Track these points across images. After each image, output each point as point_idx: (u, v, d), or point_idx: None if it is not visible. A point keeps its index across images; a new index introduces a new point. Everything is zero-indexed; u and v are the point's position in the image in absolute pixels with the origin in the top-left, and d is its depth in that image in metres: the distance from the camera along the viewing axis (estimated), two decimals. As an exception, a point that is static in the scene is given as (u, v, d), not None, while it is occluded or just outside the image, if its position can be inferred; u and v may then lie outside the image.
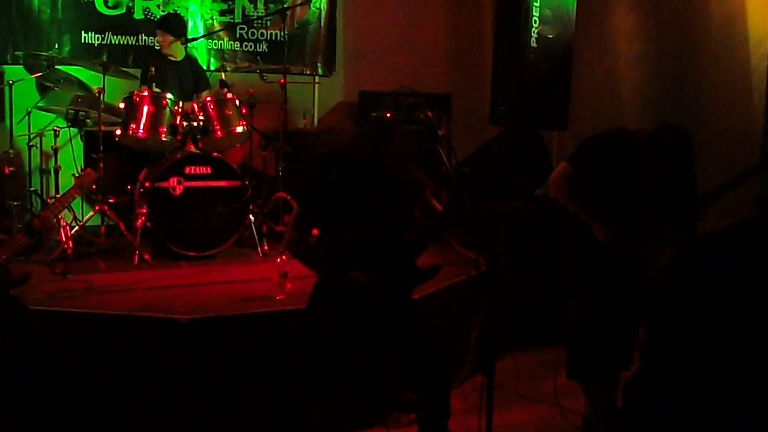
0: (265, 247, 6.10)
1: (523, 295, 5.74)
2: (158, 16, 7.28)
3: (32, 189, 6.70)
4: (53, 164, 6.40)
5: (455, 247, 6.16)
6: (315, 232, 3.73)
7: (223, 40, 7.86)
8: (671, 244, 4.23)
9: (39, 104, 6.53)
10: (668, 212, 4.12)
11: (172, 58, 6.74)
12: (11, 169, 6.34)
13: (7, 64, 7.03)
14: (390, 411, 4.60)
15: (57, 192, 6.29)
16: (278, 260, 4.89)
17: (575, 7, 6.67)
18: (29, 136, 6.51)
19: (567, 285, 4.44)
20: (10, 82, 6.48)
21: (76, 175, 3.99)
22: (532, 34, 6.48)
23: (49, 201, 3.54)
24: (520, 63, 6.54)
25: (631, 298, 4.32)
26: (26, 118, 6.48)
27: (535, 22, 6.45)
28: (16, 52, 7.08)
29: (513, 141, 6.65)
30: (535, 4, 6.45)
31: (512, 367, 5.20)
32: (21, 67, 6.96)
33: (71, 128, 6.59)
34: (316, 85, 8.25)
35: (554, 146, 7.55)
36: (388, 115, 7.18)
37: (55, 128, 6.44)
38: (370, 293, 3.54)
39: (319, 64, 8.24)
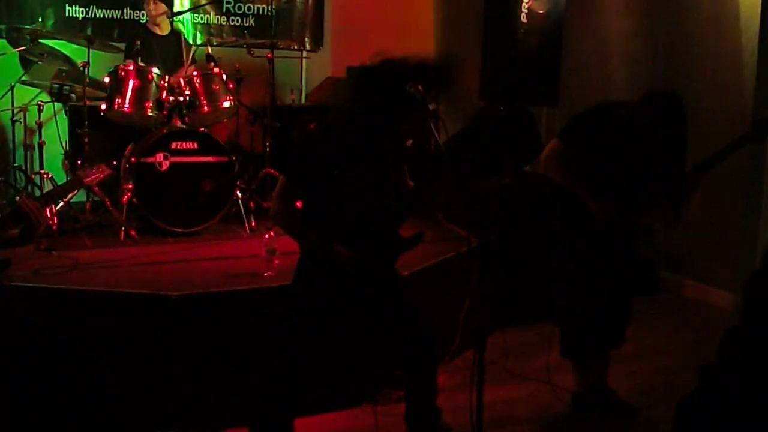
0: (253, 224, 6.06)
1: (514, 271, 5.72)
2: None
3: (16, 165, 6.63)
4: (37, 139, 6.33)
5: (444, 223, 6.13)
6: (299, 204, 3.68)
7: (210, 14, 7.77)
8: (664, 217, 4.22)
9: (22, 78, 6.44)
10: (661, 184, 4.10)
11: (158, 32, 6.66)
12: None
13: (-9, 38, 6.93)
14: (378, 387, 4.59)
15: (42, 167, 6.23)
16: (266, 237, 4.85)
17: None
18: (12, 110, 6.44)
19: (559, 262, 4.42)
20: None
21: (84, 170, 3.84)
22: (523, 9, 6.45)
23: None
24: (510, 38, 6.51)
25: (625, 274, 4.32)
26: (9, 92, 6.40)
27: (526, -3, 6.43)
28: (-1, 26, 6.98)
29: (502, 117, 6.62)
30: (524, -21, 6.42)
31: (502, 344, 5.19)
32: (3, 41, 6.86)
33: (55, 103, 6.52)
34: (304, 60, 8.19)
35: (544, 122, 7.52)
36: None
37: (39, 103, 6.37)
38: (354, 266, 3.50)
39: (306, 39, 8.18)
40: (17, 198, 4.32)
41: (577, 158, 4.12)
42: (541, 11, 6.51)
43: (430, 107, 3.36)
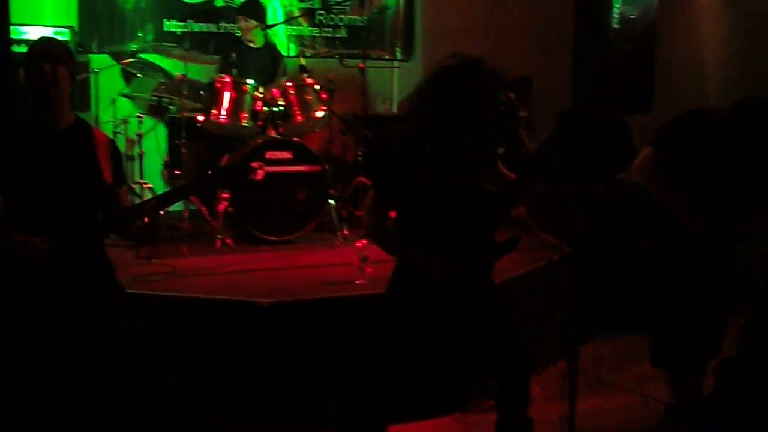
0: (345, 232, 6.13)
1: (606, 280, 5.65)
2: (239, 3, 7.33)
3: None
4: (138, 150, 6.53)
5: (536, 231, 6.09)
6: (392, 215, 3.70)
7: (303, 26, 7.89)
8: (759, 225, 4.12)
9: (124, 92, 6.65)
10: (755, 192, 4.01)
11: (252, 45, 6.79)
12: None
13: (93, 53, 7.17)
14: (470, 396, 4.58)
15: (142, 177, 6.42)
16: (358, 245, 4.90)
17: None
18: (114, 123, 6.65)
19: (652, 270, 4.35)
20: (96, 70, 6.62)
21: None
22: (614, 15, 6.37)
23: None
24: (602, 44, 6.44)
25: (721, 283, 4.22)
26: (112, 105, 6.61)
27: (617, 2, 6.34)
28: (101, 41, 7.22)
29: (594, 123, 6.55)
30: (617, -17, 6.34)
31: (594, 354, 5.12)
32: (106, 55, 7.10)
33: (155, 115, 6.71)
34: (396, 70, 8.24)
35: (636, 129, 7.41)
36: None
37: (140, 115, 6.57)
38: (449, 279, 3.49)
39: (397, 49, 8.23)
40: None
41: (670, 167, 4.06)
42: (632, 16, 6.43)
43: (521, 114, 3.33)
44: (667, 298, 4.26)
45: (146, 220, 3.38)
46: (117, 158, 3.67)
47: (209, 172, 3.80)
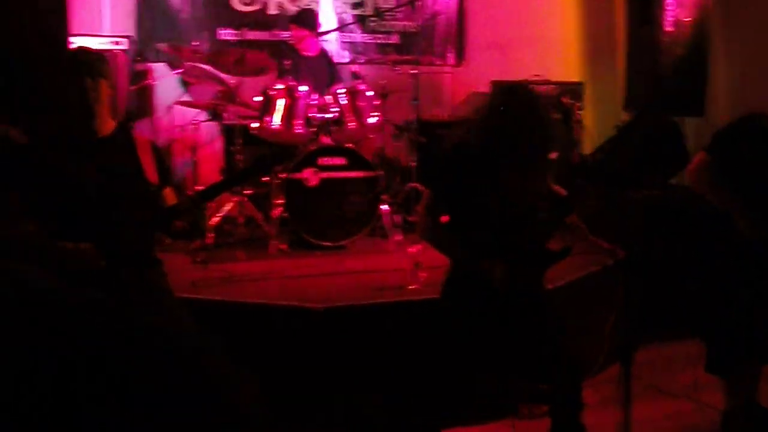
0: (398, 237, 6.16)
1: (660, 285, 5.60)
2: (291, 12, 7.41)
3: (174, 182, 6.95)
4: (194, 157, 6.63)
5: (588, 235, 6.06)
6: (445, 218, 3.72)
7: (355, 32, 7.95)
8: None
9: (181, 99, 6.77)
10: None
11: (305, 53, 6.86)
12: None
13: (152, 61, 7.30)
14: (522, 401, 4.57)
15: (198, 184, 6.51)
16: (411, 250, 4.92)
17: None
18: (172, 130, 6.76)
19: (706, 275, 4.32)
20: (154, 78, 6.74)
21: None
22: (667, 18, 6.31)
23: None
24: (655, 48, 6.38)
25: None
26: (169, 112, 6.73)
27: (670, 5, 6.28)
28: (159, 50, 7.35)
29: (648, 128, 6.50)
30: (669, -14, 6.29)
31: (647, 360, 5.08)
32: (163, 64, 7.22)
33: (211, 122, 6.81)
34: (447, 76, 8.25)
35: (690, 133, 7.34)
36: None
37: (196, 122, 6.67)
38: (503, 281, 3.50)
39: (449, 55, 8.25)
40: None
41: (724, 171, 4.02)
42: (686, 19, 6.36)
43: (575, 118, 3.35)
44: (722, 302, 4.22)
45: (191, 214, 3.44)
46: (160, 158, 3.74)
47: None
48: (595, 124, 7.18)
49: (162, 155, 3.79)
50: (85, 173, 3.43)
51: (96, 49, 3.84)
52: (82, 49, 3.88)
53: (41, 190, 3.35)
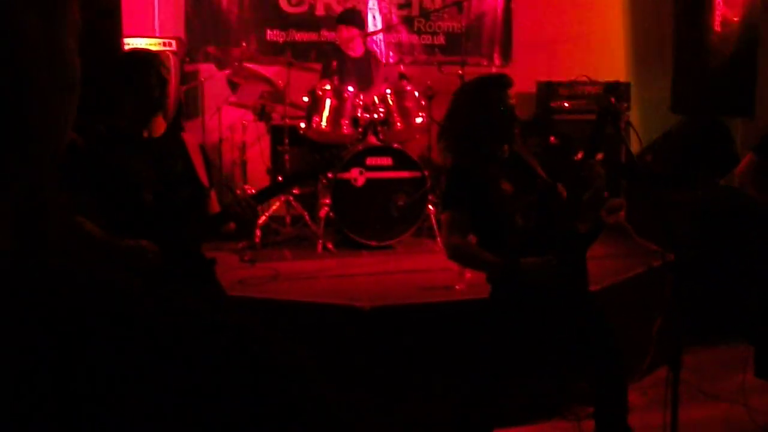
0: (444, 237, 6.17)
1: (709, 287, 5.57)
2: (338, 12, 7.46)
3: (223, 182, 7.05)
4: (242, 157, 6.71)
5: (634, 237, 6.05)
6: (473, 239, 3.71)
7: (402, 33, 7.98)
8: None
9: (229, 100, 6.86)
10: None
11: (352, 53, 6.90)
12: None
13: (201, 62, 7.40)
14: (569, 402, 4.58)
15: (246, 183, 6.59)
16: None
17: (763, -12, 6.41)
18: (220, 130, 6.85)
19: (755, 278, 4.29)
20: (203, 79, 6.84)
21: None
22: (716, 17, 6.26)
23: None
24: (703, 48, 6.33)
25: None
26: (217, 113, 6.82)
27: (718, 4, 6.23)
28: (208, 51, 7.44)
29: (696, 129, 6.46)
30: (718, -15, 6.23)
31: (695, 363, 5.05)
32: (212, 64, 7.32)
33: (259, 122, 6.88)
34: (493, 76, 8.24)
35: (739, 134, 7.27)
36: (566, 105, 7.14)
37: (244, 122, 6.75)
38: (548, 275, 3.41)
39: (495, 55, 8.25)
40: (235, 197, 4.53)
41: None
42: (735, 19, 6.30)
43: (623, 120, 3.34)
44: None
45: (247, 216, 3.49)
46: (207, 161, 3.79)
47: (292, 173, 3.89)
48: (642, 124, 7.15)
49: (209, 157, 3.85)
50: (141, 173, 3.49)
51: (157, 51, 3.89)
52: (150, 51, 3.93)
53: (98, 188, 3.42)
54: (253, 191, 6.49)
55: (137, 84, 3.50)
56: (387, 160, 6.18)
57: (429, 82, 6.75)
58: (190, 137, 3.86)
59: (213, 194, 3.76)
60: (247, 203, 3.50)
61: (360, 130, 6.36)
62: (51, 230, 0.80)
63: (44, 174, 0.76)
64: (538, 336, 3.63)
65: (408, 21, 7.94)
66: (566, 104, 7.14)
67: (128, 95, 3.53)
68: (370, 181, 6.09)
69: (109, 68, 3.60)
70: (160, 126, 3.61)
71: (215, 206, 3.72)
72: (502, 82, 3.70)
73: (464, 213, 3.57)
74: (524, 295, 3.50)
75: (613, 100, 3.36)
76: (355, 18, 6.97)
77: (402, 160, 6.21)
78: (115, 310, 0.69)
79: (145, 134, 3.55)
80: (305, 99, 6.38)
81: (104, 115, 3.68)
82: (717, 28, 6.34)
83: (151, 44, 6.65)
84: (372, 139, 6.36)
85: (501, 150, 3.65)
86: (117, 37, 5.62)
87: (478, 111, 3.63)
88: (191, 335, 0.71)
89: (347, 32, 6.82)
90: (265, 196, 3.75)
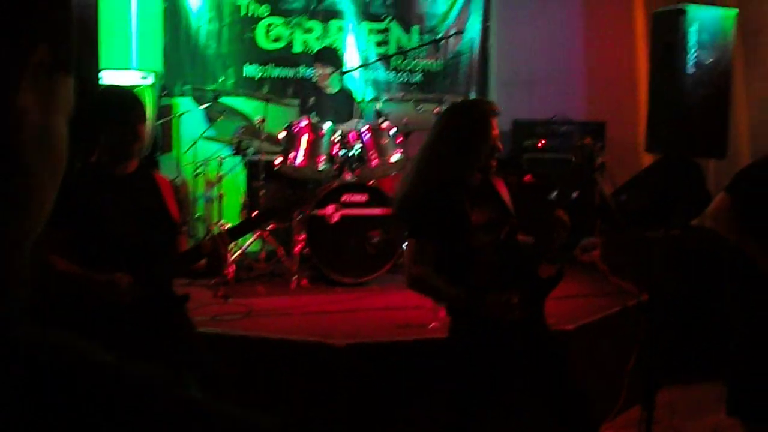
0: (419, 275, 6.16)
1: (682, 327, 5.59)
2: (316, 50, 7.49)
3: (197, 215, 7.02)
4: (217, 192, 6.69)
5: (609, 276, 6.07)
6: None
7: (379, 71, 8.02)
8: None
9: (205, 134, 6.85)
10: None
11: (329, 90, 6.92)
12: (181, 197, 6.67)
13: (177, 96, 7.39)
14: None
15: (220, 218, 6.57)
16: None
17: (733, 31, 6.50)
18: (195, 164, 6.83)
19: (728, 317, 4.30)
20: (179, 113, 6.83)
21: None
22: (690, 59, 6.33)
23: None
24: (677, 89, 6.40)
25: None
26: (193, 147, 6.81)
27: (692, 47, 6.31)
28: (184, 86, 7.44)
29: (670, 169, 6.51)
30: (692, 29, 6.31)
31: (667, 402, 5.05)
32: (189, 98, 7.32)
33: (234, 157, 6.88)
34: (470, 114, 8.28)
35: (711, 175, 7.35)
36: (540, 143, 7.18)
37: (220, 157, 6.74)
38: (508, 312, 3.33)
39: (472, 93, 8.30)
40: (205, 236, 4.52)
41: (746, 212, 4.02)
42: (708, 61, 6.38)
43: (597, 161, 3.34)
44: (744, 344, 4.21)
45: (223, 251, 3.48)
46: (179, 199, 3.79)
47: (256, 213, 3.88)
48: (617, 164, 7.20)
49: (180, 195, 3.84)
50: (114, 209, 3.47)
51: (131, 91, 3.88)
52: (128, 90, 3.94)
53: (71, 224, 3.39)
54: (228, 226, 6.50)
55: (115, 123, 3.49)
56: (362, 197, 6.18)
57: (405, 120, 6.78)
58: (161, 176, 3.85)
59: (184, 231, 3.74)
60: (220, 240, 3.48)
61: (336, 166, 6.36)
62: (23, 269, 0.80)
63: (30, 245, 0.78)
64: (499, 374, 3.56)
65: (385, 59, 7.98)
66: (541, 143, 7.19)
67: (105, 133, 3.52)
68: (345, 218, 6.09)
69: (87, 104, 3.58)
70: (132, 163, 3.60)
71: (186, 244, 3.71)
72: (494, 109, 3.66)
73: (430, 242, 3.51)
74: (484, 330, 3.45)
75: (588, 140, 3.37)
76: (332, 56, 7.00)
77: (377, 197, 6.21)
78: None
79: (117, 171, 3.54)
80: (282, 135, 6.38)
81: (80, 150, 3.65)
82: (691, 69, 6.40)
83: (128, 77, 6.64)
84: (348, 176, 6.36)
85: (473, 177, 3.62)
86: (94, 69, 5.60)
87: (471, 132, 3.57)
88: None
89: (322, 69, 6.85)
90: (237, 232, 3.73)
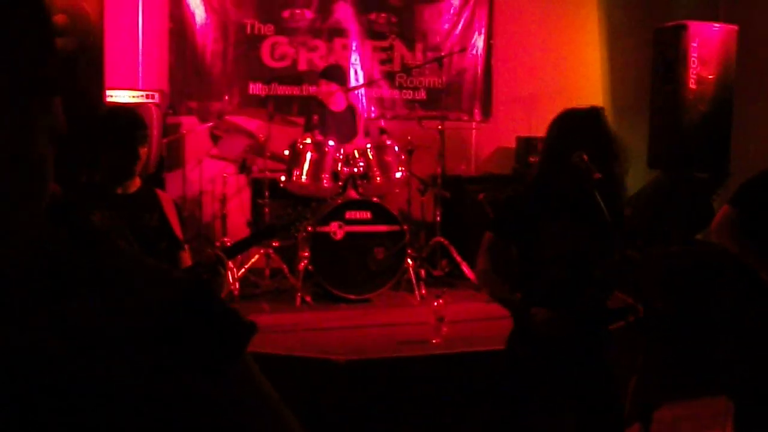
0: (423, 291, 6.20)
1: (683, 342, 5.59)
2: (321, 67, 7.53)
3: (203, 234, 7.06)
4: (223, 209, 6.74)
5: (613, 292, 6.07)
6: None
7: (383, 88, 8.06)
8: None
9: (210, 152, 6.90)
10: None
11: (333, 107, 6.96)
12: (184, 213, 6.72)
13: (183, 114, 7.44)
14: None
15: (225, 236, 6.61)
16: (435, 304, 4.96)
17: (735, 46, 6.53)
18: (201, 182, 6.88)
19: (731, 333, 4.31)
20: (185, 131, 6.89)
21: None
22: (691, 75, 6.37)
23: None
24: (679, 105, 6.43)
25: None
26: (198, 165, 6.86)
27: (694, 62, 6.34)
28: (190, 104, 7.49)
29: (672, 184, 6.53)
30: (693, 44, 6.35)
31: (671, 418, 5.05)
32: (194, 117, 7.38)
33: (240, 175, 6.92)
34: (473, 131, 8.34)
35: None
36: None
37: (225, 175, 6.79)
38: (551, 330, 3.25)
39: (475, 110, 8.34)
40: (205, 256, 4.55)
41: (749, 225, 4.04)
42: (710, 76, 6.41)
43: (595, 176, 3.32)
44: (749, 359, 4.21)
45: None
46: (181, 217, 3.83)
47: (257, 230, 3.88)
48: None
49: (182, 213, 3.88)
50: (116, 228, 3.49)
51: (135, 112, 3.93)
52: (134, 111, 3.97)
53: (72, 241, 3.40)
54: (226, 245, 6.53)
55: (117, 144, 3.53)
56: (366, 214, 6.21)
57: (409, 137, 6.82)
58: (163, 193, 3.89)
59: (186, 248, 3.78)
60: (218, 258, 3.52)
61: (340, 183, 6.39)
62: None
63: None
64: (543, 388, 3.45)
65: (389, 76, 8.03)
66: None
67: (107, 153, 3.57)
68: (349, 235, 6.12)
69: (93, 124, 3.62)
70: (135, 182, 3.65)
71: (188, 261, 3.74)
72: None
73: (501, 242, 3.44)
74: (530, 341, 3.36)
75: (585, 157, 3.35)
76: (337, 74, 7.04)
77: (381, 214, 6.24)
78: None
79: (120, 191, 3.59)
80: (286, 152, 6.43)
81: (85, 167, 3.69)
82: (692, 85, 6.43)
83: (134, 96, 6.70)
84: (352, 193, 6.40)
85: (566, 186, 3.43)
86: (99, 88, 5.65)
87: (590, 138, 3.43)
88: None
89: (327, 87, 6.89)
90: (235, 250, 3.77)
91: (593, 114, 3.55)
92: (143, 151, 3.58)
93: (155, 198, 3.72)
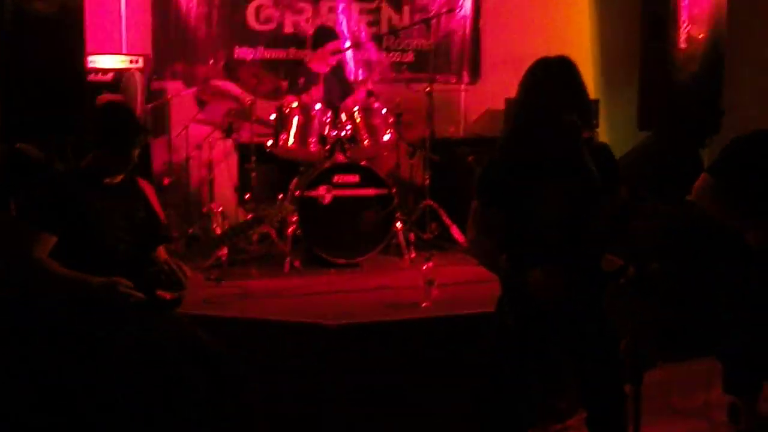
0: (412, 255, 6.17)
1: (674, 303, 5.57)
2: (307, 31, 7.44)
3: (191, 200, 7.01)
4: (210, 175, 6.67)
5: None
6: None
7: (370, 51, 7.98)
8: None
9: (196, 118, 6.81)
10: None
11: (320, 69, 6.87)
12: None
13: (168, 79, 7.35)
14: (548, 421, 4.53)
15: (212, 201, 6.56)
16: (424, 267, 4.94)
17: (727, 5, 6.46)
18: (188, 148, 6.81)
19: (722, 293, 4.31)
20: (170, 96, 6.80)
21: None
22: (681, 34, 6.30)
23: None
24: (669, 65, 6.37)
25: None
26: (185, 130, 6.78)
27: (684, 22, 6.28)
28: (175, 68, 7.39)
29: (663, 145, 6.49)
30: (683, 3, 6.28)
31: (662, 379, 5.03)
32: (179, 82, 7.28)
33: (226, 140, 6.85)
34: (462, 93, 8.27)
35: (705, 150, 7.32)
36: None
37: (211, 140, 6.71)
38: (549, 294, 3.22)
39: (464, 73, 8.26)
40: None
41: (729, 189, 4.01)
42: (701, 35, 6.34)
43: (585, 135, 3.29)
44: (737, 319, 4.21)
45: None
46: (161, 202, 3.95)
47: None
48: (610, 141, 7.17)
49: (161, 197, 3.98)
50: (107, 217, 3.59)
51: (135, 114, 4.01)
52: (132, 111, 4.05)
53: (60, 227, 3.49)
54: (221, 210, 6.49)
55: (113, 145, 3.63)
56: (354, 178, 6.15)
57: (397, 100, 6.76)
58: (144, 181, 3.93)
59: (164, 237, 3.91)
60: (176, 266, 3.59)
61: (327, 147, 6.33)
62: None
63: None
64: (536, 350, 3.43)
65: (377, 38, 7.93)
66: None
67: (103, 150, 3.65)
68: (337, 199, 6.07)
69: (89, 117, 3.76)
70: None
71: (163, 253, 3.81)
72: None
73: (488, 210, 3.37)
74: (523, 308, 3.32)
75: (574, 118, 3.31)
76: (324, 36, 6.94)
77: (369, 178, 6.19)
78: None
79: (106, 180, 3.66)
80: (272, 116, 6.36)
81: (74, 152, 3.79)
82: (683, 45, 6.38)
83: (117, 61, 6.61)
84: (339, 157, 6.33)
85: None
86: (80, 55, 5.57)
87: (577, 92, 3.50)
88: None
89: (332, 46, 6.80)
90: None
91: (566, 62, 3.65)
92: (136, 154, 3.67)
93: (139, 188, 3.78)
